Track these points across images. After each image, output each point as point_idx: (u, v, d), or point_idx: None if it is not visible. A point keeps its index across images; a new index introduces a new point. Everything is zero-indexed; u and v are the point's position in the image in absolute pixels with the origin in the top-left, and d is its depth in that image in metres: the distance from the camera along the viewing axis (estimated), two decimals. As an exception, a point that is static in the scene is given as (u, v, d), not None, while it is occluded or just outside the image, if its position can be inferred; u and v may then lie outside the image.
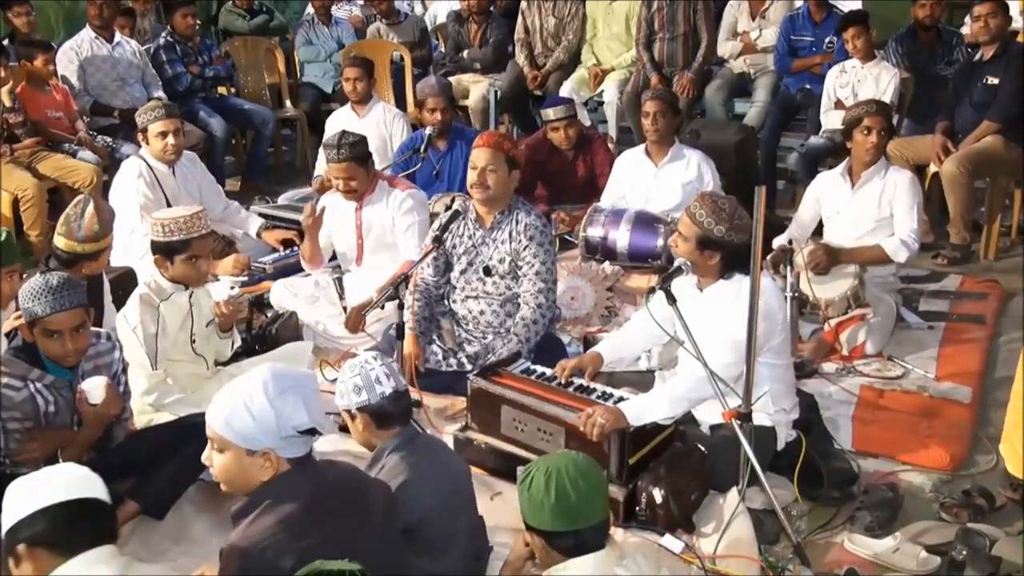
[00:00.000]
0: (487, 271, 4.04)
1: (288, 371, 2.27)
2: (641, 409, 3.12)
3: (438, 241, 3.98)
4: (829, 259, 4.29)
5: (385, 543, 2.37)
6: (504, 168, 3.91)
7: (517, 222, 3.99)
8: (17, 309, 3.23)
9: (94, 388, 2.98)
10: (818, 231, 4.75)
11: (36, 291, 2.89)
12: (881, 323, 4.36)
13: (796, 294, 4.17)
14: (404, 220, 4.50)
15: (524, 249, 3.96)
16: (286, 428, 2.18)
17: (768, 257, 4.37)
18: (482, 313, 4.09)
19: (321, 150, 6.23)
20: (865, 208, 4.48)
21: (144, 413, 3.53)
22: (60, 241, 3.67)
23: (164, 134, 4.77)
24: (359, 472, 2.50)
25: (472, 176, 3.93)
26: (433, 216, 4.68)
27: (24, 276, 3.51)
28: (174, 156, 4.85)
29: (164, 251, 3.52)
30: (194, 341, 3.66)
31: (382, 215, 4.53)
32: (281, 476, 2.22)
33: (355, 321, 4.20)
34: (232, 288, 4.53)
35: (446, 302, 4.20)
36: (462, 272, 4.11)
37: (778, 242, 4.57)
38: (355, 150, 4.40)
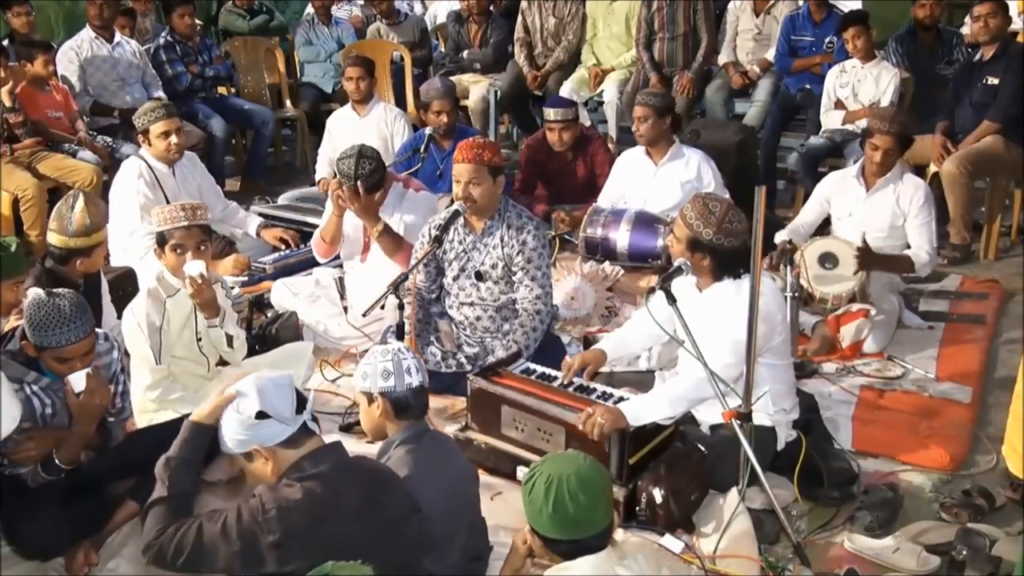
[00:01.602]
0: (479, 276, 4.03)
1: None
2: (641, 409, 3.11)
3: (439, 241, 3.97)
4: (868, 261, 4.32)
5: (402, 545, 2.38)
6: (487, 178, 3.89)
7: (508, 226, 3.97)
8: (20, 314, 3.22)
9: (77, 378, 2.97)
10: (816, 232, 4.75)
11: (49, 321, 2.82)
12: (885, 322, 4.37)
13: (796, 294, 4.17)
14: (408, 219, 4.49)
15: (517, 254, 3.95)
16: (245, 422, 2.34)
17: (771, 254, 4.38)
18: (478, 319, 4.08)
19: (321, 150, 6.27)
20: (880, 212, 4.50)
21: (144, 412, 3.53)
22: (53, 237, 3.67)
23: (167, 133, 4.76)
24: (388, 471, 2.51)
25: (457, 190, 3.93)
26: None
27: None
28: (178, 155, 4.85)
29: (158, 241, 3.59)
30: (200, 339, 3.66)
31: (392, 215, 4.52)
32: (309, 456, 2.30)
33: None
34: (233, 288, 4.54)
35: (444, 304, 4.20)
36: (455, 278, 4.09)
37: (780, 237, 4.57)
38: (371, 180, 4.28)
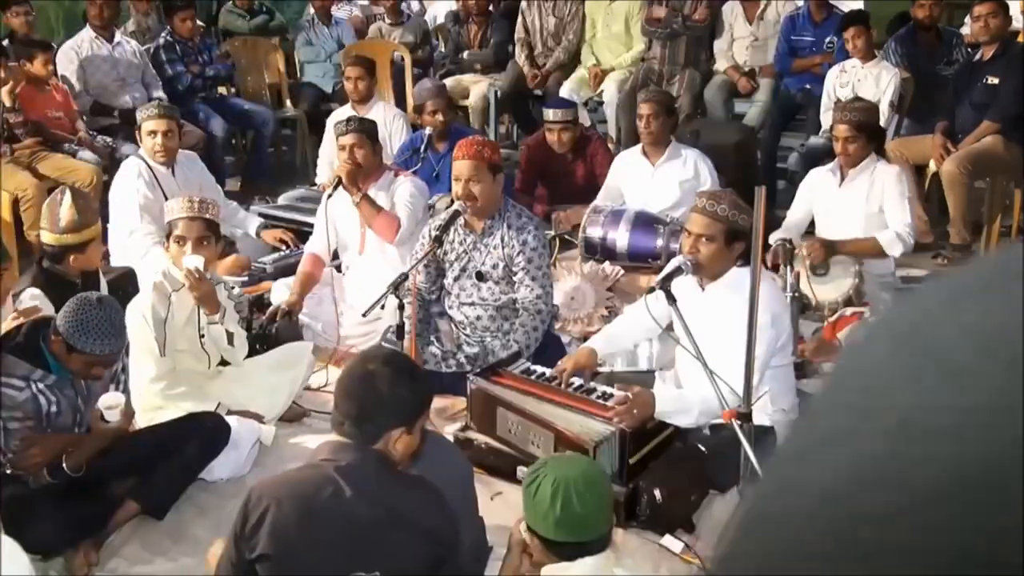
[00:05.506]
0: (480, 276, 4.03)
1: None
2: (669, 408, 3.12)
3: (439, 242, 3.97)
4: (826, 251, 4.32)
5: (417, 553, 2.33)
6: (487, 176, 3.89)
7: (509, 226, 3.97)
8: (15, 308, 3.22)
9: (113, 407, 2.99)
10: (810, 231, 4.75)
11: (98, 329, 2.87)
12: (880, 322, 4.35)
13: (796, 294, 4.16)
14: (400, 199, 4.49)
15: (518, 255, 3.95)
16: None
17: (767, 254, 4.38)
18: (479, 319, 4.08)
19: (321, 150, 6.27)
20: (854, 204, 4.50)
21: (145, 411, 3.53)
22: (45, 236, 3.68)
23: (153, 133, 4.75)
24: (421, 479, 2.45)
25: (457, 188, 3.92)
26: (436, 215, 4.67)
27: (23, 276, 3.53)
28: (162, 158, 4.81)
29: (166, 232, 3.66)
30: (203, 336, 3.67)
31: (383, 202, 4.52)
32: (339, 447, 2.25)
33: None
34: (234, 288, 4.54)
35: (443, 304, 4.20)
36: (455, 279, 4.09)
37: (774, 238, 4.57)
38: (365, 125, 4.50)
